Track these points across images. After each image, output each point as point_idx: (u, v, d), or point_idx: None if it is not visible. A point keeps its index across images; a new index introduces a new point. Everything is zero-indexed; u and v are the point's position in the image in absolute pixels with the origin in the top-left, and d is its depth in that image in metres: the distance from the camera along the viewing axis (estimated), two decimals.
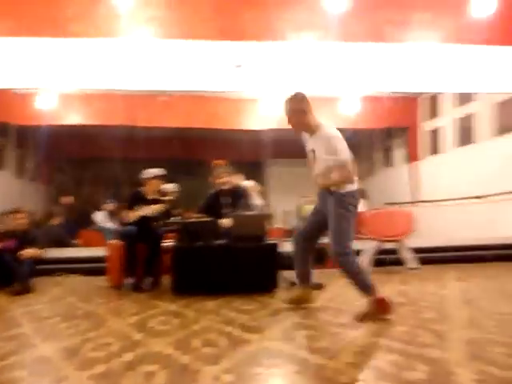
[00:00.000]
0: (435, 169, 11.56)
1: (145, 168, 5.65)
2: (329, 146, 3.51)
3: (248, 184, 8.89)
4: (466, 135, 10.58)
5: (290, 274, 5.32)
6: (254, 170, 14.23)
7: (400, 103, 11.20)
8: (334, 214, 3.53)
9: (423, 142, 12.42)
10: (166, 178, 7.02)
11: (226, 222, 4.94)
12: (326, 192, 3.62)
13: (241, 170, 13.75)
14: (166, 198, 7.33)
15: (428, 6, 6.73)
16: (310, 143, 3.68)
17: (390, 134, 13.99)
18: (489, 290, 4.57)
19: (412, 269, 5.87)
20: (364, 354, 2.63)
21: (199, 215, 5.17)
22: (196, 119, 10.63)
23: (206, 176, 7.26)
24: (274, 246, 4.80)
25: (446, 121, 11.32)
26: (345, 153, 3.49)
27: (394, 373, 2.26)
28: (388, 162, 14.26)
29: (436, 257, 6.72)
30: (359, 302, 3.65)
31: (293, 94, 3.66)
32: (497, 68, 7.04)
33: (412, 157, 12.54)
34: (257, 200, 9.06)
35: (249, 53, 6.66)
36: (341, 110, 10.40)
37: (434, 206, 11.01)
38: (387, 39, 6.83)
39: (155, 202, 5.43)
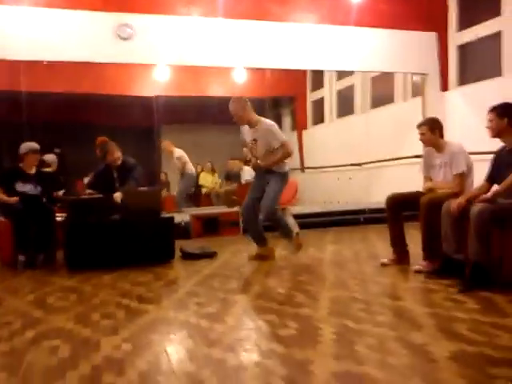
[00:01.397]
0: (320, 137, 12.36)
1: (31, 133, 5.50)
2: (270, 133, 4.60)
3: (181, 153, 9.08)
4: (346, 106, 11.43)
5: (185, 244, 5.67)
6: (147, 135, 14.10)
7: (289, 74, 11.67)
8: (273, 186, 4.68)
9: (309, 111, 13.18)
10: (49, 146, 6.84)
11: (117, 196, 5.07)
12: (266, 172, 4.73)
13: (134, 135, 13.64)
14: (49, 169, 7.23)
15: None
16: (251, 134, 4.72)
17: (280, 102, 14.58)
18: (357, 252, 5.26)
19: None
20: (245, 316, 3.05)
21: (90, 191, 5.25)
22: (82, 84, 10.31)
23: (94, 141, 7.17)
24: (170, 219, 5.07)
25: (330, 92, 12.08)
26: (283, 136, 4.72)
27: (269, 331, 2.69)
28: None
29: (317, 221, 7.42)
30: (245, 268, 4.14)
31: (234, 98, 4.71)
32: (365, 48, 7.72)
33: (300, 125, 13.26)
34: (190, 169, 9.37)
35: (139, 25, 6.66)
36: (231, 79, 10.71)
37: (318, 172, 11.84)
38: (270, 18, 7.22)
39: (36, 176, 5.33)
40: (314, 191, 11.44)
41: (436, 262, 4.01)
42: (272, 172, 4.73)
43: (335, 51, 7.64)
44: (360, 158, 10.16)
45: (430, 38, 8.09)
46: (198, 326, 2.82)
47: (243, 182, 9.86)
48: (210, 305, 3.27)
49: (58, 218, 5.26)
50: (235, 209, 7.24)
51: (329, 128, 12.12)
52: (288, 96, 13.54)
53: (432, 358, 2.16)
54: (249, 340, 2.57)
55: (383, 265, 4.42)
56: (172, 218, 5.09)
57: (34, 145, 5.32)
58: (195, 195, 11.70)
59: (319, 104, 12.64)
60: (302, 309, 3.09)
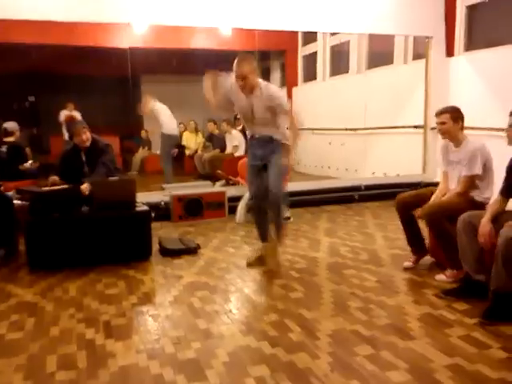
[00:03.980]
0: (312, 96, 11.60)
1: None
2: (272, 100, 3.83)
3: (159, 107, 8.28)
4: (341, 64, 10.63)
5: (164, 232, 5.14)
6: (125, 85, 13.18)
7: None
8: (277, 159, 3.95)
9: (300, 67, 12.34)
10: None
11: (85, 187, 4.41)
12: (266, 141, 3.99)
13: (111, 85, 12.84)
14: (11, 138, 6.56)
15: None
16: (249, 100, 3.90)
17: (269, 55, 13.67)
18: (356, 250, 4.76)
19: (285, 219, 5.90)
20: (231, 370, 2.54)
21: (56, 178, 4.61)
22: (52, 35, 9.35)
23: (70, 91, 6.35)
24: (146, 213, 4.48)
25: (323, 47, 11.21)
26: (288, 104, 3.91)
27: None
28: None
29: (309, 199, 6.89)
30: (230, 275, 3.62)
31: (242, 55, 3.83)
32: (363, 7, 6.91)
33: (290, 81, 12.43)
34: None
35: None
36: (217, 31, 9.80)
37: (309, 133, 11.14)
38: None
39: None
40: (304, 154, 10.79)
41: (461, 271, 3.52)
42: (271, 141, 3.97)
43: (330, 11, 6.79)
44: (355, 122, 9.50)
45: None
46: None
47: (229, 148, 9.24)
48: (188, 346, 2.76)
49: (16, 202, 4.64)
50: (220, 187, 6.67)
51: (321, 87, 11.34)
52: (278, 50, 12.64)
53: None
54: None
55: (406, 269, 4.04)
56: (149, 212, 4.49)
57: None
58: (178, 158, 10.97)
59: (311, 59, 11.80)
60: (299, 355, 2.60)
